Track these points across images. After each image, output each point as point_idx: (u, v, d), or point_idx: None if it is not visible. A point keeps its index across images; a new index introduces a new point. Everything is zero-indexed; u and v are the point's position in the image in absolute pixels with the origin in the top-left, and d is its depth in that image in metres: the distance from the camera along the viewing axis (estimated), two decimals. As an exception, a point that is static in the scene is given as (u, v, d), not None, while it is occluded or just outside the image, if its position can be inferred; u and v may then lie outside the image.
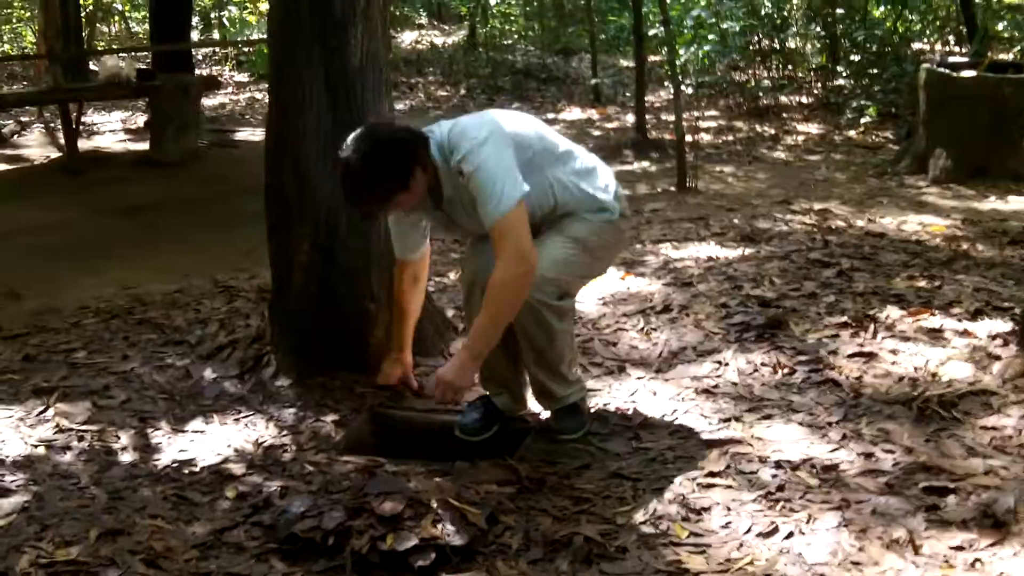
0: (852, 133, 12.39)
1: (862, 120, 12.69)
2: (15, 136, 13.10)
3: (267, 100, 13.59)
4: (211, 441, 3.97)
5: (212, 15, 22.30)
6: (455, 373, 3.61)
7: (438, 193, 3.70)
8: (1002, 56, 12.51)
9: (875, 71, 14.09)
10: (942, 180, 9.15)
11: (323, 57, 4.30)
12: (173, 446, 3.94)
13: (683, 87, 11.19)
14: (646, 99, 12.47)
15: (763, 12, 15.58)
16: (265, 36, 19.76)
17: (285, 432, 4.05)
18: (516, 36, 21.14)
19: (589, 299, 5.35)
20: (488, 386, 4.04)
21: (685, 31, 12.76)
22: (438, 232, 4.11)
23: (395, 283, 4.18)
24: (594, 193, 3.83)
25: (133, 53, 15.97)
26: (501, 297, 3.53)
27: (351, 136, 3.57)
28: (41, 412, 4.20)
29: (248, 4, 22.72)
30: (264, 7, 21.69)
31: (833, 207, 7.92)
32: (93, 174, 10.75)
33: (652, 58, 16.06)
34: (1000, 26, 13.81)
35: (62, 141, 11.67)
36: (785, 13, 16.13)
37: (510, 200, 3.50)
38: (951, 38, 16.49)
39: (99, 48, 18.98)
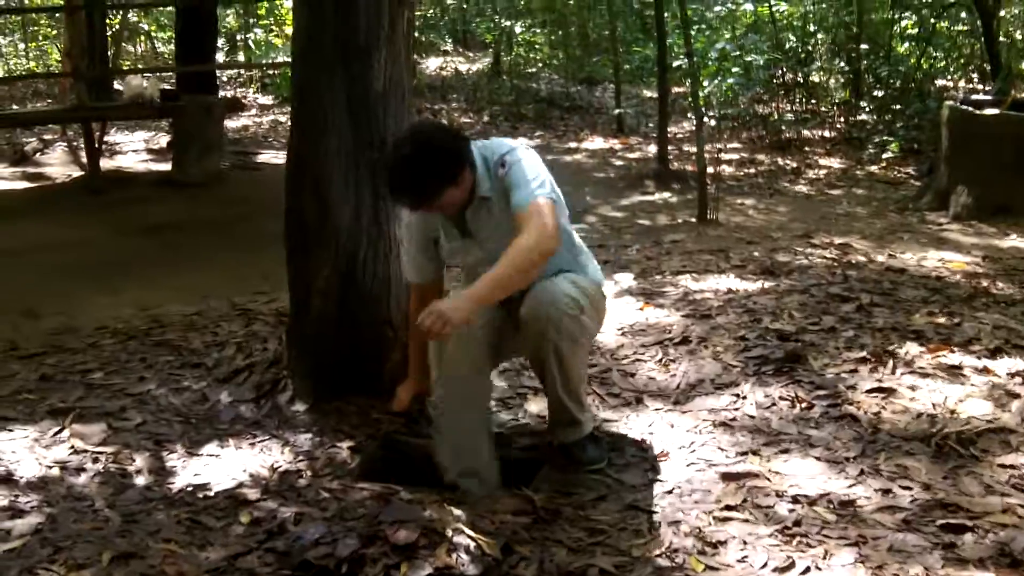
0: (874, 168, 12.40)
1: (884, 155, 12.69)
2: (37, 154, 13.15)
3: (290, 123, 13.56)
4: (226, 465, 3.96)
5: (238, 37, 22.39)
6: (450, 305, 3.45)
7: (470, 196, 3.78)
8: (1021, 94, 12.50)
9: (898, 107, 14.10)
10: (963, 217, 9.12)
11: (345, 82, 4.30)
12: (188, 470, 3.93)
13: (706, 119, 11.19)
14: (668, 130, 12.49)
15: (787, 46, 15.63)
16: (290, 59, 20.01)
17: (300, 458, 4.04)
18: (540, 64, 21.18)
19: (608, 329, 5.33)
20: (461, 479, 3.88)
21: (709, 63, 12.79)
22: (454, 256, 4.05)
23: (410, 306, 4.22)
24: (591, 257, 4.11)
25: (158, 73, 16.02)
26: (520, 258, 3.51)
27: (400, 134, 3.73)
28: (56, 433, 4.19)
29: (274, 27, 22.83)
30: (290, 30, 21.81)
31: (854, 242, 7.89)
32: (114, 193, 10.79)
33: (675, 89, 16.09)
34: (1024, 64, 13.84)
35: (84, 160, 11.73)
36: (809, 48, 16.18)
37: (544, 192, 3.64)
38: (975, 76, 16.51)
39: (124, 67, 19.08)
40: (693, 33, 11.50)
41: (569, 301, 3.68)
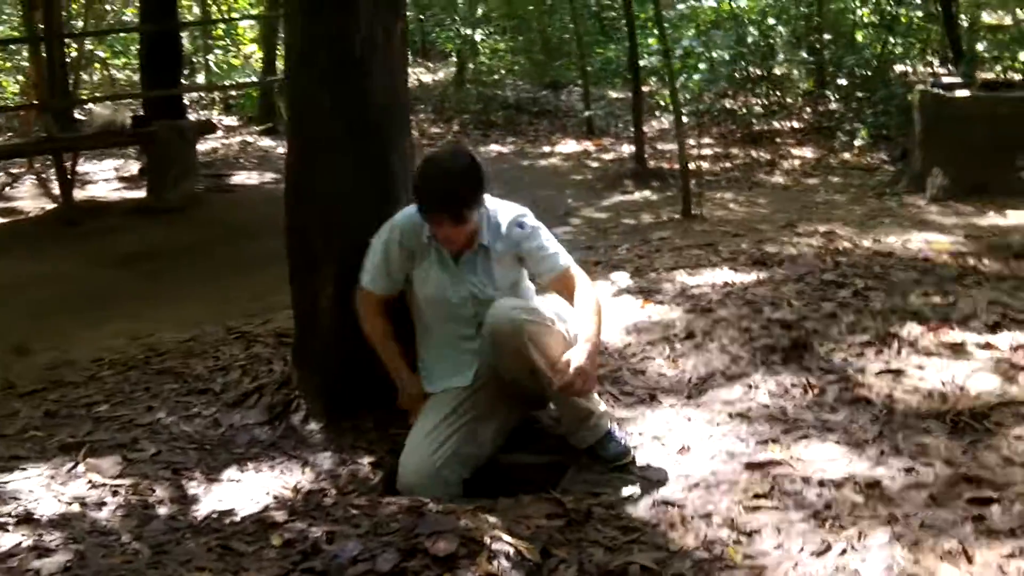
0: (847, 155, 12.50)
1: (855, 143, 12.79)
2: (6, 188, 13.04)
3: (260, 143, 13.47)
4: (248, 489, 3.93)
5: (194, 59, 22.27)
6: (589, 359, 3.76)
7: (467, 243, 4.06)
8: (984, 76, 12.62)
9: (862, 94, 14.22)
10: (940, 198, 9.20)
11: (343, 97, 4.28)
12: (210, 496, 3.89)
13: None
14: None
15: (749, 40, 15.70)
16: (253, 80, 19.93)
17: (322, 476, 4.03)
18: (503, 71, 21.18)
19: (613, 329, 5.35)
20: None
21: (675, 61, 12.87)
22: (431, 285, 4.14)
23: (365, 315, 4.26)
24: None
25: (123, 101, 15.94)
26: (599, 308, 3.97)
27: (439, 152, 4.17)
28: (71, 468, 4.10)
29: (231, 48, 22.77)
30: (248, 50, 21.76)
31: (837, 228, 7.93)
32: (90, 224, 10.70)
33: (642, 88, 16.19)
34: (980, 46, 13.96)
35: (56, 191, 11.64)
36: (771, 40, 16.27)
37: (571, 260, 4.09)
38: (935, 60, 16.64)
39: (83, 97, 18.97)
40: (658, 32, 11.55)
41: (520, 311, 3.87)
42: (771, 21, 16.30)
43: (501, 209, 4.11)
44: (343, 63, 4.27)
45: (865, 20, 16.17)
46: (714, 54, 14.23)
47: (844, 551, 3.08)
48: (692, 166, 9.93)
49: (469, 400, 4.06)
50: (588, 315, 3.88)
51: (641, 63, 13.18)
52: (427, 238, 4.05)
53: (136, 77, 20.94)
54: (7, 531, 3.52)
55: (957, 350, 4.66)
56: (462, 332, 4.11)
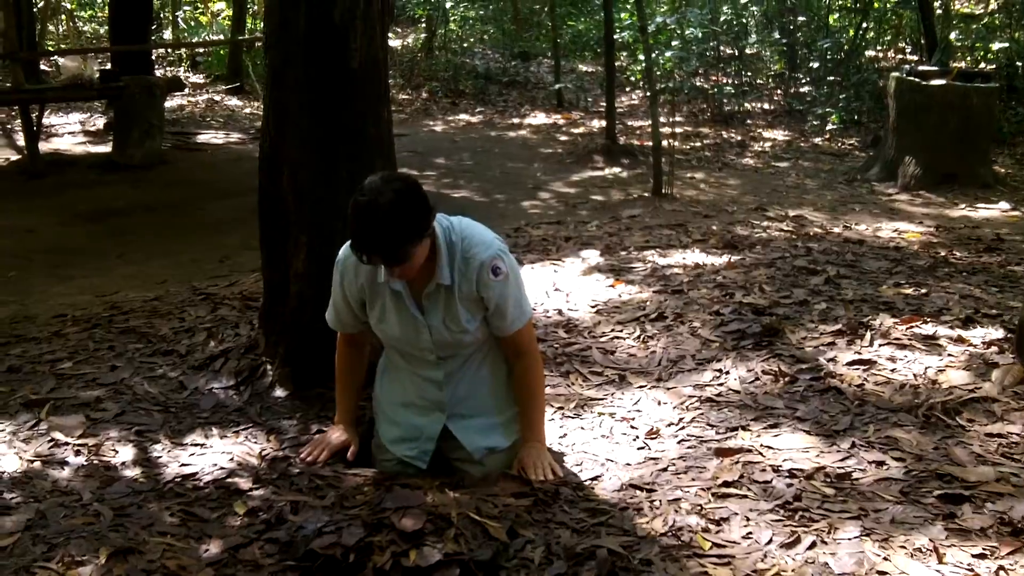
0: (818, 140, 12.50)
1: (827, 127, 12.81)
2: (-29, 138, 12.88)
3: (227, 102, 13.31)
4: (213, 454, 3.86)
5: (162, 15, 22.03)
6: (546, 453, 3.70)
7: (427, 275, 3.55)
8: (956, 65, 12.69)
9: (833, 78, 14.24)
10: (911, 187, 9.25)
11: (321, 63, 4.22)
12: (174, 460, 3.82)
13: (649, 92, 11.24)
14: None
15: (722, 19, 15.69)
16: (221, 37, 19.74)
17: (288, 445, 3.97)
18: (472, 40, 21.07)
19: (582, 306, 5.32)
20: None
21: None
22: (387, 325, 3.69)
23: (338, 343, 3.95)
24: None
25: (91, 55, 15.76)
26: (542, 388, 3.81)
27: (371, 182, 3.33)
28: (33, 425, 4.05)
29: (199, 4, 22.55)
30: (216, 7, 21.56)
31: (807, 214, 7.95)
32: (55, 177, 10.60)
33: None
34: (953, 35, 14.00)
35: (21, 143, 11.49)
36: (744, 20, 16.26)
37: (530, 313, 3.72)
38: (906, 47, 16.68)
39: (49, 48, 18.74)
40: (629, 6, 11.52)
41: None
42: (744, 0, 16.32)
43: (473, 242, 3.55)
44: (322, 28, 4.20)
45: (839, 3, 16.16)
46: (687, 31, 14.20)
47: (813, 544, 3.04)
48: (663, 144, 9.91)
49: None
50: (532, 408, 3.75)
51: (615, 37, 13.15)
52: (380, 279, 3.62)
53: (102, 30, 20.76)
54: (-32, 487, 3.45)
55: (929, 343, 4.64)
56: (425, 374, 3.76)
